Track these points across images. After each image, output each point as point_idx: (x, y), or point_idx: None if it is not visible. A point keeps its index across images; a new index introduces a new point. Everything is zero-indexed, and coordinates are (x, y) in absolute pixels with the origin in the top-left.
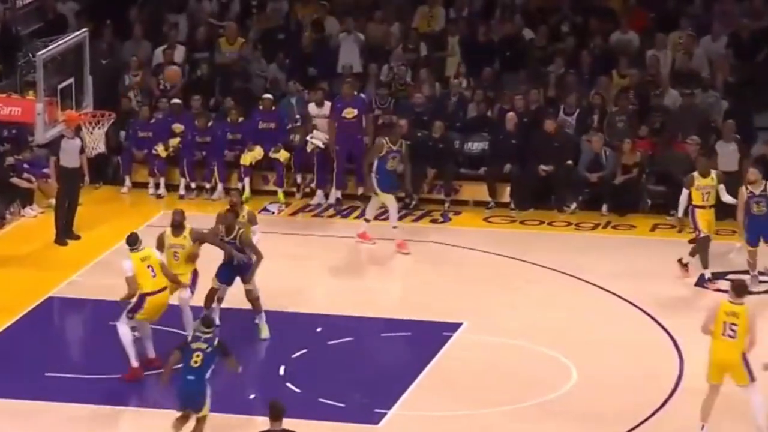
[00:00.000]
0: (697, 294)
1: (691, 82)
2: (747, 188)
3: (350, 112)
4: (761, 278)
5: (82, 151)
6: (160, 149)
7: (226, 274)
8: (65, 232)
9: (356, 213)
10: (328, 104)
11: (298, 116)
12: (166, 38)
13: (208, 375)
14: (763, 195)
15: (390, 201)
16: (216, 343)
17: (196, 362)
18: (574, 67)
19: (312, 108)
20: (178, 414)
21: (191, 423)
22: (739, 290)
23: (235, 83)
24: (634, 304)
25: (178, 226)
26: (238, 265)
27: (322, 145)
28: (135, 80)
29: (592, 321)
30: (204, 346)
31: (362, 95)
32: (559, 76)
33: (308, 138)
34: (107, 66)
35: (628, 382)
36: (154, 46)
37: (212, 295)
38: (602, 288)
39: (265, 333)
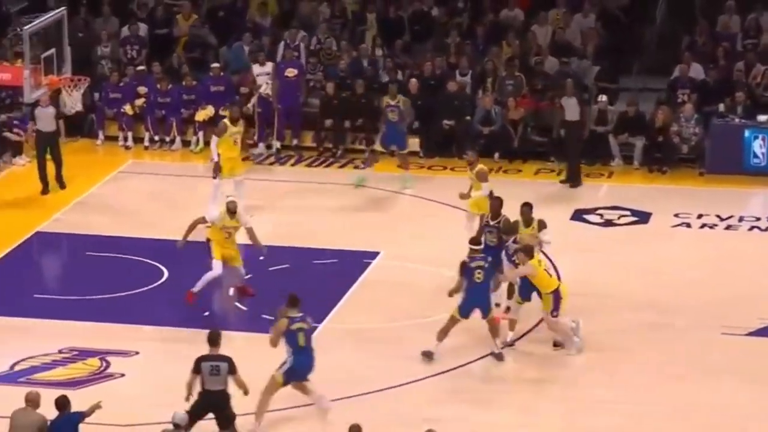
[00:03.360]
0: (571, 227)
1: (566, 51)
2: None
3: (291, 72)
4: None
5: (57, 116)
6: (127, 108)
7: None
8: (59, 182)
9: (292, 161)
10: (269, 64)
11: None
12: (131, 15)
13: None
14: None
15: None
16: (490, 259)
17: (479, 278)
18: (470, 39)
19: (256, 68)
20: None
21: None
22: None
23: (191, 53)
24: None
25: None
26: None
27: (270, 93)
28: (105, 51)
29: None
30: (482, 263)
31: (301, 60)
32: (457, 45)
33: (261, 90)
34: (83, 38)
35: None
36: (121, 22)
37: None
38: None
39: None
